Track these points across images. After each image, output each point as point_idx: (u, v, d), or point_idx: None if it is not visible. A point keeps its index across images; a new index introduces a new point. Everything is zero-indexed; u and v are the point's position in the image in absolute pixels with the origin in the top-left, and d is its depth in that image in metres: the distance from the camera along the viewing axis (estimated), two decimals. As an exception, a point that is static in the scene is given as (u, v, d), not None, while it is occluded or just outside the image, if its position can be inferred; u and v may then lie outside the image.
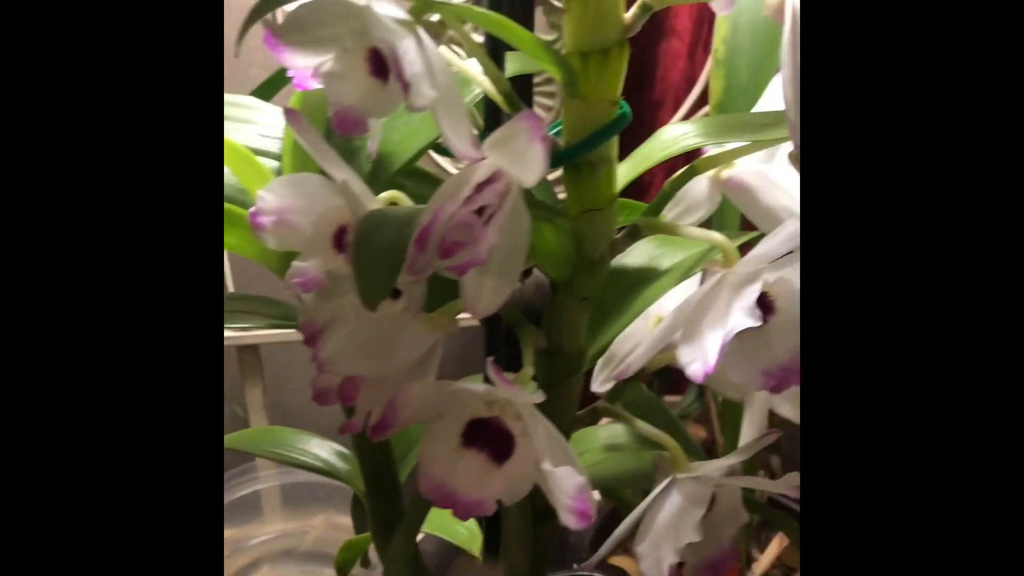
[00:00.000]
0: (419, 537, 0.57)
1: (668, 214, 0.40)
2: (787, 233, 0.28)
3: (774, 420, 0.66)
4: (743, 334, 0.29)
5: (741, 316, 0.27)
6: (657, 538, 0.32)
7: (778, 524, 0.43)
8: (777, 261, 0.29)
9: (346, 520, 0.71)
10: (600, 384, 0.42)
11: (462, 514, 0.29)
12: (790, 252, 0.29)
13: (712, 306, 0.29)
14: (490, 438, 0.29)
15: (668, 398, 0.75)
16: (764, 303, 0.29)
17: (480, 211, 0.26)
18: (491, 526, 0.40)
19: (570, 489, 0.28)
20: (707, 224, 0.46)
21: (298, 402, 0.76)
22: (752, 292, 0.27)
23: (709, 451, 0.70)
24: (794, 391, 0.36)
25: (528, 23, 0.45)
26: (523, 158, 0.25)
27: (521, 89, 0.42)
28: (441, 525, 0.48)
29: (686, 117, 0.71)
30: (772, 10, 0.28)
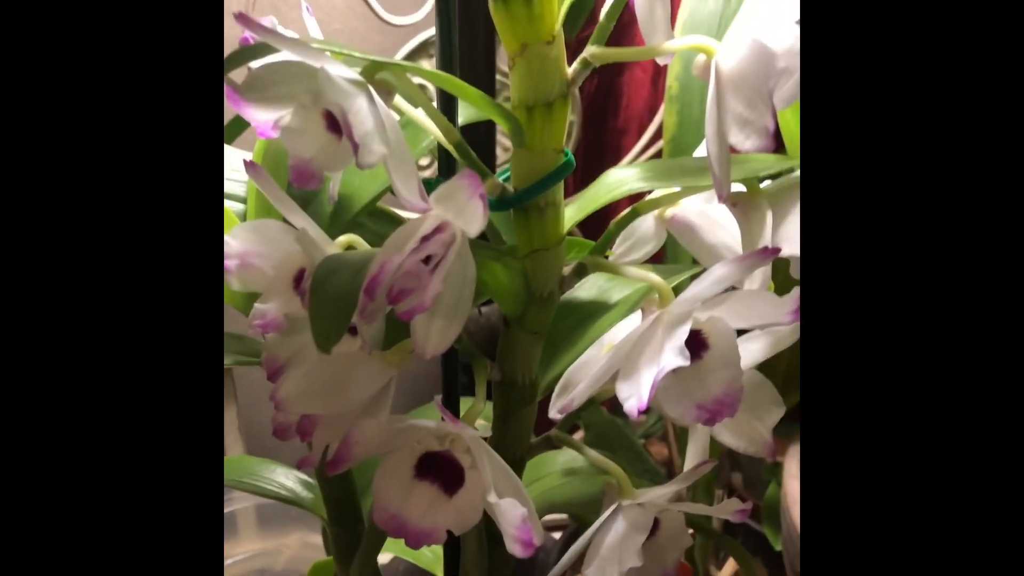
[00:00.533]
0: (388, 558, 0.58)
1: (619, 248, 0.42)
2: (716, 276, 0.30)
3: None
4: (678, 370, 0.31)
5: (671, 356, 0.29)
6: (603, 562, 0.34)
7: (729, 550, 0.45)
8: (710, 301, 0.31)
9: (319, 540, 0.73)
10: (555, 411, 0.44)
11: (414, 543, 0.30)
12: (723, 292, 0.31)
13: (648, 344, 0.31)
14: (441, 470, 0.31)
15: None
16: (698, 341, 0.31)
17: (427, 259, 0.28)
18: (451, 549, 0.42)
19: (514, 520, 0.29)
20: (661, 256, 0.48)
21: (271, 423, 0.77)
22: (682, 333, 0.29)
23: (669, 468, 0.72)
24: (733, 421, 0.38)
25: (489, 65, 0.48)
26: (465, 211, 0.27)
27: (485, 130, 0.45)
28: (406, 548, 0.50)
29: (649, 144, 0.73)
30: (699, 71, 0.30)
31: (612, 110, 0.78)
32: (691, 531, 0.63)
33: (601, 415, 0.57)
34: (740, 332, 0.36)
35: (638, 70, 0.77)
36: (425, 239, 0.27)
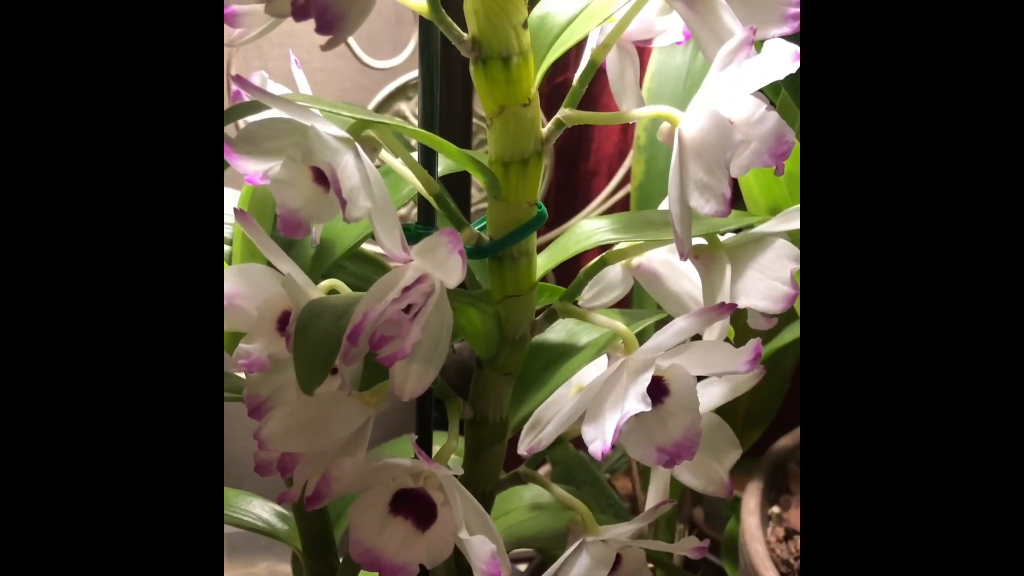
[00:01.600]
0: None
1: (587, 293, 0.44)
2: (678, 328, 0.32)
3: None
4: (640, 414, 0.33)
5: (634, 402, 0.31)
6: (568, 596, 0.36)
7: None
8: (672, 350, 0.33)
9: (287, 569, 0.73)
10: (525, 448, 0.46)
11: (388, 576, 0.32)
12: (681, 343, 0.33)
13: (613, 389, 0.33)
14: (415, 507, 0.33)
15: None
16: (659, 387, 0.33)
17: (407, 308, 0.30)
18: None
19: (484, 555, 0.31)
20: (629, 299, 0.50)
21: (251, 453, 0.78)
22: (644, 380, 0.31)
23: (633, 502, 0.74)
24: (693, 462, 0.40)
25: (467, 114, 0.50)
26: (444, 265, 0.29)
27: (460, 178, 0.47)
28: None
29: (618, 187, 0.76)
30: (664, 136, 0.32)
31: (583, 153, 0.80)
32: (651, 566, 0.65)
33: (568, 451, 0.58)
34: (700, 378, 0.38)
35: (609, 115, 0.79)
36: (406, 290, 0.29)
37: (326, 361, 0.30)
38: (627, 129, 0.79)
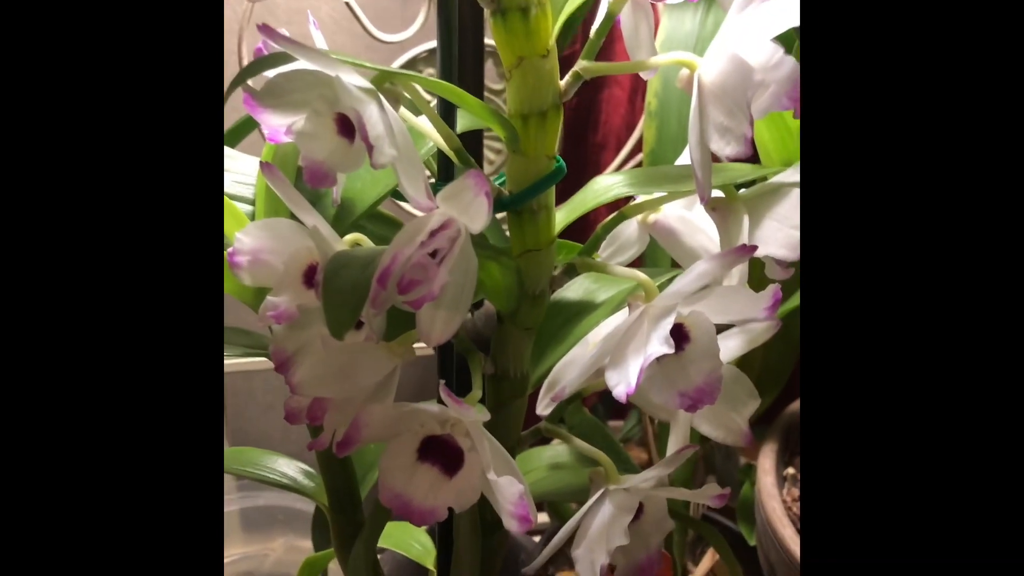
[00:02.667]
0: (379, 552, 0.60)
1: (604, 252, 0.45)
2: (698, 272, 0.32)
3: (706, 448, 0.71)
4: (663, 360, 0.33)
5: (657, 344, 0.31)
6: (591, 543, 0.36)
7: (708, 537, 0.48)
8: (691, 296, 0.34)
9: (305, 543, 0.74)
10: (544, 407, 0.46)
11: (417, 521, 0.32)
12: (703, 288, 0.34)
13: (635, 336, 0.33)
14: (442, 453, 0.33)
15: (612, 423, 0.80)
16: (680, 333, 0.34)
17: (434, 253, 0.30)
18: (444, 540, 0.44)
19: (512, 496, 0.31)
20: (641, 261, 0.51)
21: (259, 429, 0.79)
22: (667, 323, 0.32)
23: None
24: (712, 412, 0.40)
25: (478, 81, 0.50)
26: (470, 209, 0.30)
27: (473, 140, 0.47)
28: (398, 541, 0.52)
29: (627, 159, 0.76)
30: (683, 83, 0.32)
31: (592, 126, 0.80)
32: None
33: (585, 416, 0.59)
34: (718, 330, 0.38)
35: (616, 88, 0.80)
36: (432, 234, 0.30)
37: (355, 307, 0.30)
38: (635, 101, 0.79)
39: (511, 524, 0.32)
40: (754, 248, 0.32)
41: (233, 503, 0.75)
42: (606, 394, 0.58)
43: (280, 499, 0.75)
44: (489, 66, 0.73)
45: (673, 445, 0.41)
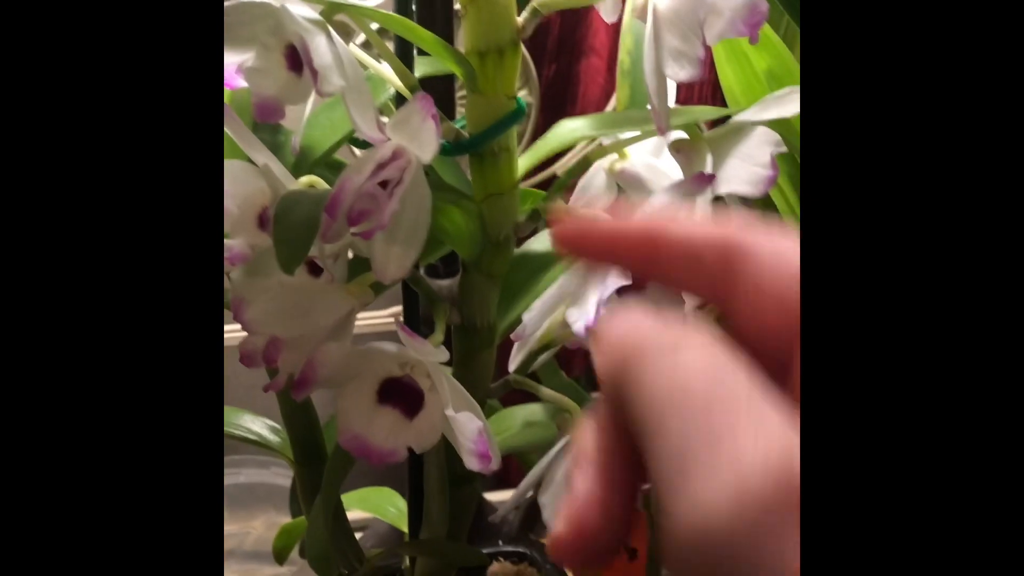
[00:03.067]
0: (368, 519, 0.59)
1: (574, 203, 0.44)
2: (658, 202, 0.32)
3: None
4: (623, 296, 0.33)
5: (615, 277, 0.31)
6: (557, 488, 0.36)
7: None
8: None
9: (286, 519, 0.73)
10: (515, 363, 0.46)
11: (376, 461, 0.32)
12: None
13: (594, 272, 0.33)
14: (402, 396, 0.33)
15: (595, 395, 0.79)
16: (642, 269, 0.33)
17: (384, 184, 0.30)
18: (414, 494, 0.44)
19: (471, 432, 0.31)
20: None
21: (242, 374, 0.78)
22: (626, 255, 0.31)
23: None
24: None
25: (448, 20, 0.49)
26: (419, 135, 0.29)
27: (443, 89, 0.46)
28: (374, 505, 0.51)
29: (605, 128, 0.76)
30: (639, 12, 0.32)
31: (570, 96, 0.80)
32: (648, 485, 0.65)
33: (561, 378, 0.58)
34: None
35: (595, 58, 0.79)
36: (381, 165, 0.29)
37: (306, 241, 0.30)
38: (613, 71, 0.79)
39: (471, 462, 0.31)
40: (712, 177, 0.31)
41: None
42: (589, 366, 0.58)
43: (260, 476, 0.74)
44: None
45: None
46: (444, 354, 0.32)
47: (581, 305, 0.33)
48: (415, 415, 0.33)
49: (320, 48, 0.29)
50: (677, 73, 0.29)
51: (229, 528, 0.74)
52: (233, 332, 0.35)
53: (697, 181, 0.31)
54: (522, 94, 0.74)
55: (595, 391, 0.70)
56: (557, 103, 0.80)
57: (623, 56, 0.59)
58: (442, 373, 0.32)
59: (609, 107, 0.74)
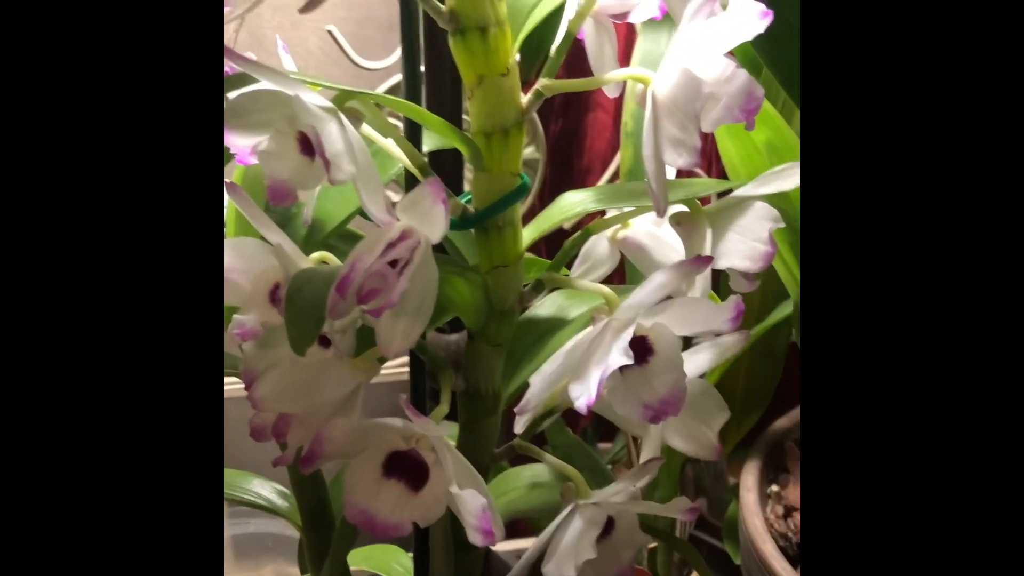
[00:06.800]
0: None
1: (576, 271, 0.45)
2: (657, 283, 0.33)
3: (698, 468, 0.70)
4: (626, 373, 0.33)
5: (617, 355, 0.32)
6: (560, 558, 0.36)
7: (684, 554, 0.47)
8: (654, 308, 0.34)
9: (294, 570, 0.74)
10: (521, 427, 0.46)
11: (381, 534, 0.32)
12: (665, 299, 0.34)
13: (597, 348, 0.34)
14: (407, 468, 0.33)
15: (601, 445, 0.79)
16: (644, 346, 0.34)
17: (393, 263, 0.31)
18: (420, 558, 0.44)
19: (475, 509, 0.32)
20: (622, 279, 0.51)
21: (231, 451, 0.79)
22: (627, 335, 0.32)
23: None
24: (682, 425, 0.40)
25: (456, 101, 0.51)
26: (429, 217, 0.30)
27: (452, 162, 0.48)
28: (378, 563, 0.52)
29: (611, 180, 0.77)
30: (639, 98, 0.33)
31: (576, 150, 0.81)
32: (655, 544, 0.65)
33: (567, 436, 0.59)
34: (688, 344, 0.38)
35: (601, 112, 0.81)
36: (391, 244, 0.30)
37: (317, 322, 0.31)
38: (618, 125, 0.80)
39: (475, 538, 0.32)
40: (710, 259, 0.32)
41: (225, 530, 0.75)
42: (596, 416, 0.58)
43: (269, 526, 0.74)
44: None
45: (644, 458, 0.41)
46: (447, 429, 0.33)
47: (583, 380, 0.33)
48: (420, 488, 0.33)
49: (332, 135, 0.30)
50: (675, 160, 0.30)
51: (237, 578, 0.75)
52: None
53: (696, 262, 0.32)
54: (529, 150, 0.75)
55: (601, 441, 0.71)
56: (564, 157, 0.81)
57: (627, 119, 0.60)
58: (446, 447, 0.33)
59: (615, 162, 0.76)
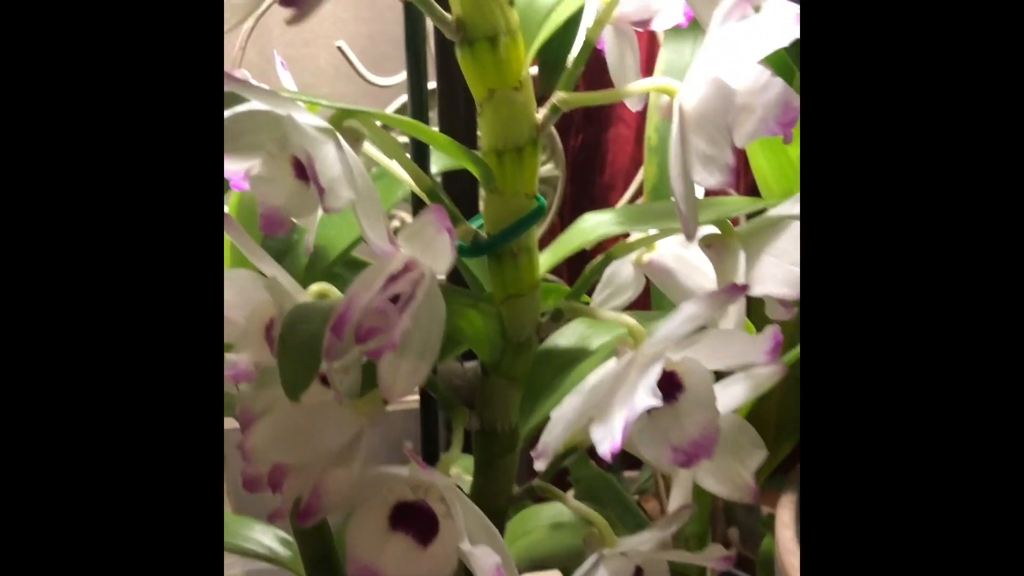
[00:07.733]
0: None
1: (599, 296, 0.42)
2: (687, 314, 0.30)
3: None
4: (654, 412, 0.30)
5: (644, 396, 0.29)
6: (585, 614, 0.33)
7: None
8: (682, 341, 0.31)
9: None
10: (541, 467, 0.43)
11: (387, 595, 0.30)
12: (695, 331, 0.31)
13: (621, 386, 0.31)
14: (415, 521, 0.31)
15: (627, 473, 0.76)
16: (672, 382, 0.31)
17: (395, 298, 0.28)
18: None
19: (488, 568, 0.29)
20: (647, 305, 0.48)
21: (233, 494, 0.77)
22: (654, 372, 0.29)
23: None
24: (715, 465, 0.37)
25: (470, 119, 0.48)
26: (433, 247, 0.27)
27: (467, 184, 0.45)
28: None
29: (634, 198, 0.74)
30: (664, 111, 0.30)
31: (598, 166, 0.78)
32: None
33: (591, 469, 0.56)
34: (719, 376, 0.35)
35: (623, 127, 0.78)
36: (393, 278, 0.27)
37: (312, 364, 0.28)
38: (642, 140, 0.77)
39: (490, 598, 0.29)
40: (745, 287, 0.29)
41: (236, 566, 0.72)
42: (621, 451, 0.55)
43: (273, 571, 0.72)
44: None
45: (675, 502, 0.38)
46: (458, 479, 0.30)
47: (607, 423, 0.30)
48: (429, 543, 0.30)
49: (328, 158, 0.28)
50: (706, 179, 0.28)
51: (249, 616, 0.72)
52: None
53: (730, 292, 0.29)
54: (548, 166, 0.72)
55: (628, 469, 0.67)
56: (585, 173, 0.79)
57: (650, 133, 0.57)
58: (457, 498, 0.30)
59: (638, 179, 0.73)
